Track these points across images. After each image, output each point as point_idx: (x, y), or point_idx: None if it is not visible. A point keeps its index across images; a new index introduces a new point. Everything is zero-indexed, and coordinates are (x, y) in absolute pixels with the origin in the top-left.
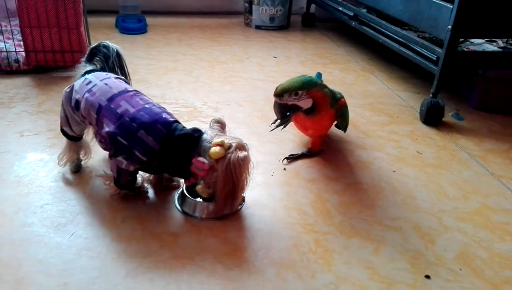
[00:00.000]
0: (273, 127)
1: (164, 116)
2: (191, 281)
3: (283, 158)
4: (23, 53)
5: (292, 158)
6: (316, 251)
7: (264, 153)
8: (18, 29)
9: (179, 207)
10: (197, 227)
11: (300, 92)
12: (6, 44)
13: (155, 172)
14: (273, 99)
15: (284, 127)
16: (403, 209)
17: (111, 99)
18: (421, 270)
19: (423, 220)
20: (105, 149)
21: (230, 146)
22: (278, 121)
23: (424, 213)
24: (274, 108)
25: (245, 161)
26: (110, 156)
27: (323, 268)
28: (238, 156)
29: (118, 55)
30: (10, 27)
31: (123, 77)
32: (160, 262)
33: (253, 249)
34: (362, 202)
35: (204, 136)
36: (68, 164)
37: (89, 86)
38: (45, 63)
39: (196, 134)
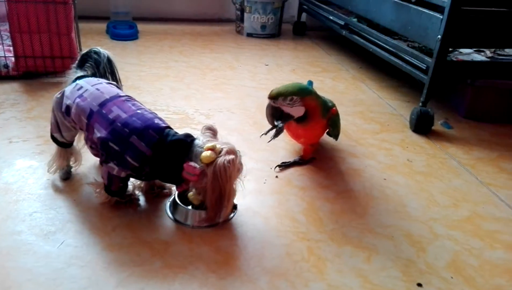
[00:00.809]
0: (269, 139)
1: (156, 121)
2: None
3: (275, 165)
4: (13, 59)
5: (284, 166)
6: (309, 259)
7: (256, 160)
8: (8, 34)
9: (170, 215)
10: (189, 236)
11: (294, 97)
12: None
13: (147, 179)
14: (264, 105)
15: (276, 137)
16: (395, 217)
17: (102, 104)
18: (413, 278)
19: (414, 228)
20: (95, 155)
21: (221, 151)
22: (272, 132)
23: (415, 221)
24: (266, 111)
25: (232, 164)
26: (101, 163)
27: (316, 277)
28: (224, 159)
29: (109, 60)
30: (0, 32)
31: (115, 83)
32: (152, 271)
33: (246, 257)
34: (353, 210)
35: (196, 141)
36: (58, 171)
37: (80, 92)
38: (35, 69)
39: (189, 139)
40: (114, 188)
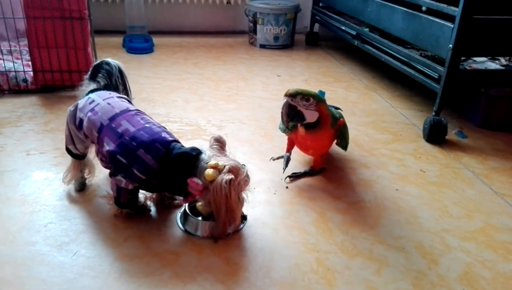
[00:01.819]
0: (283, 170)
1: (163, 135)
2: None
3: (286, 176)
4: (31, 73)
5: (294, 177)
6: (318, 270)
7: (267, 171)
8: (27, 49)
9: (181, 226)
10: (199, 246)
11: (311, 99)
12: (15, 64)
13: (155, 191)
14: (276, 117)
15: (287, 165)
16: (406, 228)
17: (112, 118)
18: None
19: (426, 239)
20: (106, 167)
21: (223, 168)
22: (283, 160)
23: (427, 232)
24: (282, 109)
25: (229, 184)
26: (110, 175)
27: (324, 288)
28: (223, 179)
29: (120, 71)
30: (19, 47)
31: (126, 96)
32: (161, 281)
33: (255, 268)
34: (364, 221)
35: (202, 156)
36: (73, 182)
37: (92, 105)
38: (52, 83)
39: (194, 152)
40: (123, 200)
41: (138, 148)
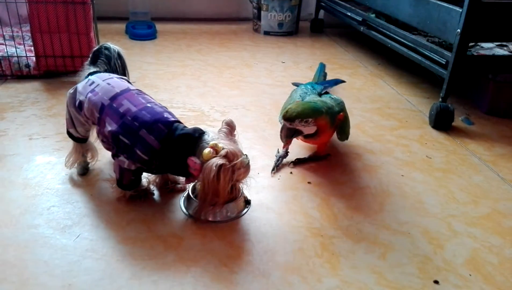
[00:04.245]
0: (274, 166)
1: (165, 115)
2: (195, 284)
3: (290, 162)
4: (34, 58)
5: (298, 162)
6: (322, 255)
7: (270, 156)
8: (29, 34)
9: (184, 210)
10: (202, 230)
11: (310, 119)
12: (17, 49)
13: (157, 172)
14: (280, 102)
15: (279, 163)
16: (412, 214)
17: (113, 98)
18: (430, 275)
19: (432, 224)
20: (107, 148)
21: (221, 151)
22: (276, 158)
23: (433, 217)
24: (281, 132)
25: (220, 168)
26: (113, 156)
27: (329, 272)
28: (214, 162)
29: (119, 56)
30: (22, 33)
31: (126, 77)
32: (165, 264)
33: (258, 252)
34: (369, 206)
35: (205, 136)
36: (75, 166)
37: (92, 87)
38: (55, 68)
39: (196, 134)
40: (125, 182)
41: (140, 128)
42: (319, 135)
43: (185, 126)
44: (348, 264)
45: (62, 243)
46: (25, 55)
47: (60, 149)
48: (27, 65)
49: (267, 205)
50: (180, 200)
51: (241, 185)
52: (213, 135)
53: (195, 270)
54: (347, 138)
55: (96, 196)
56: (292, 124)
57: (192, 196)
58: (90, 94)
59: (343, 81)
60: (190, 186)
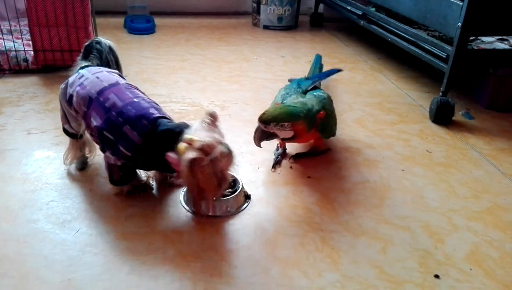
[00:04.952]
0: (274, 163)
1: (151, 111)
2: (195, 278)
3: (290, 156)
4: (32, 52)
5: (298, 157)
6: (323, 249)
7: (270, 151)
8: (27, 28)
9: (184, 205)
10: (202, 225)
11: (286, 124)
12: (15, 43)
13: (145, 168)
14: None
15: (277, 162)
16: (412, 208)
17: (100, 92)
18: (430, 269)
19: (433, 219)
20: (96, 142)
21: (195, 144)
22: (274, 157)
23: (434, 212)
24: (255, 133)
25: (194, 163)
26: (101, 151)
27: (329, 267)
28: (185, 158)
29: (111, 49)
30: (19, 27)
31: (117, 71)
32: (165, 259)
33: (258, 247)
34: (369, 201)
35: (187, 130)
36: (74, 162)
37: (81, 80)
38: (53, 62)
39: (178, 129)
40: (115, 177)
41: (124, 124)
42: (297, 139)
43: (171, 122)
44: (348, 258)
45: (62, 238)
46: (23, 49)
47: (59, 144)
48: (25, 60)
49: (267, 200)
50: (180, 195)
51: (232, 176)
52: (196, 128)
53: (195, 265)
54: (332, 135)
55: (95, 191)
56: (267, 127)
57: None
58: (78, 88)
59: (340, 70)
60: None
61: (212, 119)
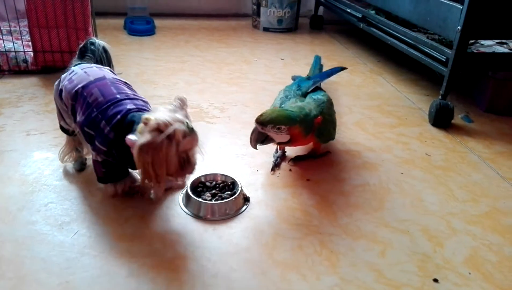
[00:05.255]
0: (273, 166)
1: (128, 106)
2: (194, 281)
3: (289, 159)
4: (31, 53)
5: (298, 159)
6: (321, 252)
7: (269, 154)
8: (27, 29)
9: (183, 207)
10: (201, 227)
11: (283, 127)
12: (15, 44)
13: (125, 164)
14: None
15: (276, 165)
16: (411, 212)
17: (85, 86)
18: (429, 273)
19: (432, 222)
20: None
21: (151, 123)
22: (273, 159)
23: (432, 215)
24: (252, 135)
25: (139, 144)
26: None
27: (328, 270)
28: (138, 139)
29: (104, 50)
30: (19, 28)
31: (107, 67)
32: (163, 261)
33: (257, 249)
34: (368, 204)
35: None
36: (71, 161)
37: (71, 75)
38: (53, 63)
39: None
40: (99, 174)
41: (102, 120)
42: (293, 143)
43: (143, 114)
44: (347, 261)
45: (60, 239)
46: (22, 50)
47: (58, 145)
48: (25, 60)
49: (266, 203)
50: (179, 197)
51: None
52: (158, 109)
53: (193, 267)
54: (330, 140)
55: (94, 193)
56: (264, 128)
57: (191, 193)
58: (66, 82)
59: (343, 68)
60: (189, 183)
61: (181, 103)
